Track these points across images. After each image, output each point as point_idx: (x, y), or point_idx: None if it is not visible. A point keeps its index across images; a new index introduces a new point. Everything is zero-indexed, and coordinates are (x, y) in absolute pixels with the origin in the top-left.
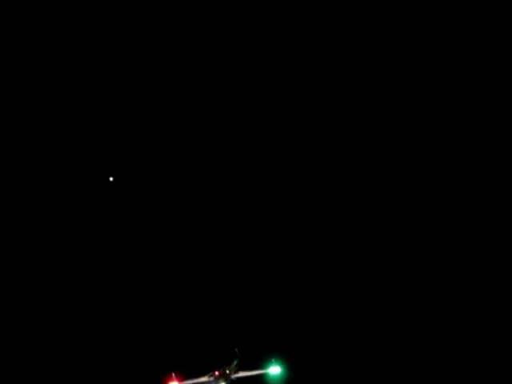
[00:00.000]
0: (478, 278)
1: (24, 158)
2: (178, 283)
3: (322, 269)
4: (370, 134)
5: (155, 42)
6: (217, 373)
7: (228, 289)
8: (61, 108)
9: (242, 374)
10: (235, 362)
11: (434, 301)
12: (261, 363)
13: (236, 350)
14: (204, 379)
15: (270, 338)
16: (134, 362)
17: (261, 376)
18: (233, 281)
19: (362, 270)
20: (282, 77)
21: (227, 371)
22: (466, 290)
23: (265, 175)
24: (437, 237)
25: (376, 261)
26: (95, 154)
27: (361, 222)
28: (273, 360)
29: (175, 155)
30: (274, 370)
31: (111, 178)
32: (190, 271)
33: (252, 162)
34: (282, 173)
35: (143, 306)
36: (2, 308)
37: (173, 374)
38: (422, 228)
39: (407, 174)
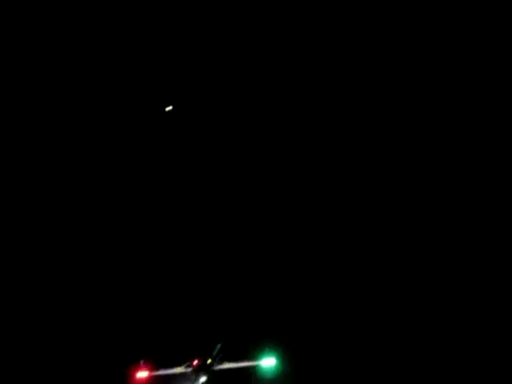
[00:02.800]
0: (477, 278)
1: None
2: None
3: (322, 253)
4: (369, 134)
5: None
6: (195, 362)
7: (214, 265)
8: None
9: (227, 365)
10: (218, 347)
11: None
12: (251, 353)
13: (220, 331)
14: (179, 370)
15: (264, 323)
16: (99, 345)
17: (250, 369)
18: (219, 257)
19: (361, 257)
20: (282, 77)
21: (208, 361)
22: (465, 290)
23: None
24: (437, 237)
25: (369, 248)
26: None
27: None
28: (267, 350)
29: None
30: (268, 362)
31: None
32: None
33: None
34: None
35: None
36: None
37: (142, 363)
38: (422, 228)
39: (407, 174)
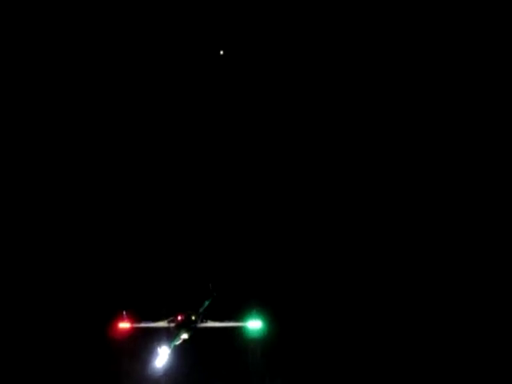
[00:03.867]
0: (478, 278)
1: None
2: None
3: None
4: (370, 134)
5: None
6: (179, 318)
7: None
8: None
9: (211, 324)
10: (206, 304)
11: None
12: (237, 315)
13: (210, 286)
14: (162, 324)
15: (251, 285)
16: (82, 296)
17: (235, 330)
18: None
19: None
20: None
21: (193, 317)
22: (465, 290)
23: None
24: (437, 237)
25: (356, 217)
26: None
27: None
28: (253, 312)
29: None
30: (254, 324)
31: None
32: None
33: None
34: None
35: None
36: None
37: (124, 314)
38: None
39: (407, 174)
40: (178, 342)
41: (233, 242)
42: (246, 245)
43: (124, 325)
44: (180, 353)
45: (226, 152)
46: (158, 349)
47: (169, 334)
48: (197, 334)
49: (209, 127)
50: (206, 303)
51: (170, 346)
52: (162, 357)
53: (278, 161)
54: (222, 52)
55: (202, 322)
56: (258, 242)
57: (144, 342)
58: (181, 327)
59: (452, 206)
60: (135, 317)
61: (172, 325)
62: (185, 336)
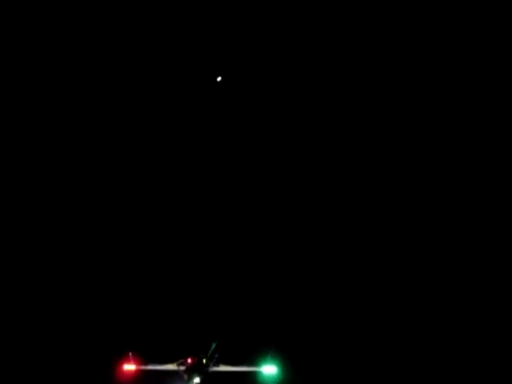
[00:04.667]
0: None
1: None
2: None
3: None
4: (370, 135)
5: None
6: (189, 360)
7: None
8: None
9: (223, 368)
10: (214, 346)
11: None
12: (251, 359)
13: (218, 328)
14: (171, 367)
15: (266, 328)
16: (86, 335)
17: (249, 375)
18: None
19: (364, 264)
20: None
21: (204, 360)
22: (466, 290)
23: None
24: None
25: (371, 256)
26: None
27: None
28: (268, 357)
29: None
30: (269, 369)
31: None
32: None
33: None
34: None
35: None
36: None
37: (130, 355)
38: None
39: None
40: None
41: (246, 285)
42: (260, 288)
43: (129, 367)
44: None
45: (238, 186)
46: None
47: (178, 379)
48: (209, 379)
49: (214, 151)
50: (214, 345)
51: None
52: None
53: (293, 193)
54: (219, 78)
55: (214, 365)
56: (274, 286)
57: None
58: (192, 371)
59: (452, 206)
60: (142, 358)
61: (182, 368)
62: (197, 380)
